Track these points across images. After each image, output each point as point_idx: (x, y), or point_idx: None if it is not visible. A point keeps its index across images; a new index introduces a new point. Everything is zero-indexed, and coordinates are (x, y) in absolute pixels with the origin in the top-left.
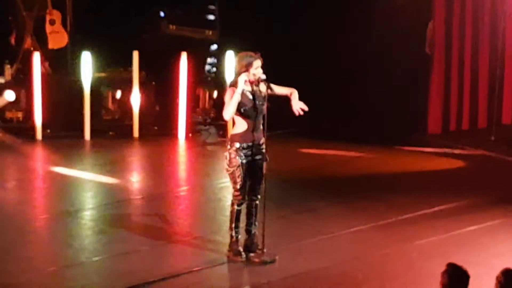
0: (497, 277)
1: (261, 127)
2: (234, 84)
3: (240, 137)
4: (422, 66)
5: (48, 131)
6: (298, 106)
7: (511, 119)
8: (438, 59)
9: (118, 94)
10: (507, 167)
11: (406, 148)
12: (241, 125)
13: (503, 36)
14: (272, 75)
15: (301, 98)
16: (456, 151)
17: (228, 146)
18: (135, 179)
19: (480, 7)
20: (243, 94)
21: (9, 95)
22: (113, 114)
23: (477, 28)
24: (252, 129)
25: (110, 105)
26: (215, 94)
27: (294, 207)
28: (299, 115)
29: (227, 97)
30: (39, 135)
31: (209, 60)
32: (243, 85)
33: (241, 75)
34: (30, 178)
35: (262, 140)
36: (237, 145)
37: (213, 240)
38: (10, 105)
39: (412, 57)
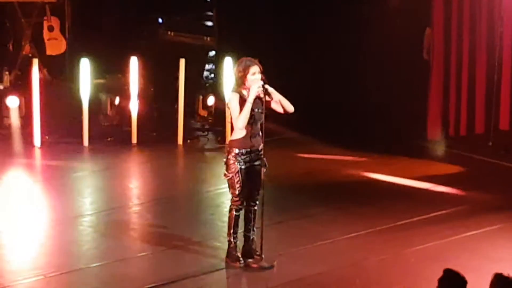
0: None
1: (260, 133)
2: (236, 90)
3: (239, 143)
4: (421, 72)
5: (47, 137)
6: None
7: (508, 125)
8: (437, 65)
9: (117, 100)
10: (505, 173)
11: (405, 153)
12: (239, 131)
13: (501, 41)
14: (271, 81)
15: (299, 103)
16: (454, 157)
17: (227, 152)
18: (134, 185)
19: (477, 13)
20: (242, 101)
21: (12, 102)
22: (112, 120)
23: (474, 33)
24: (251, 135)
25: (108, 111)
26: (213, 100)
27: (292, 212)
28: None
29: (233, 103)
30: (37, 141)
31: (207, 66)
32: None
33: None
34: (29, 184)
35: (261, 146)
36: (236, 151)
37: (211, 246)
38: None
39: (411, 63)
